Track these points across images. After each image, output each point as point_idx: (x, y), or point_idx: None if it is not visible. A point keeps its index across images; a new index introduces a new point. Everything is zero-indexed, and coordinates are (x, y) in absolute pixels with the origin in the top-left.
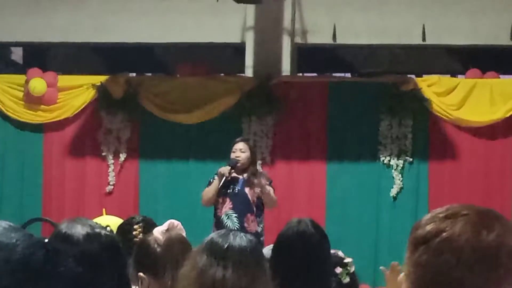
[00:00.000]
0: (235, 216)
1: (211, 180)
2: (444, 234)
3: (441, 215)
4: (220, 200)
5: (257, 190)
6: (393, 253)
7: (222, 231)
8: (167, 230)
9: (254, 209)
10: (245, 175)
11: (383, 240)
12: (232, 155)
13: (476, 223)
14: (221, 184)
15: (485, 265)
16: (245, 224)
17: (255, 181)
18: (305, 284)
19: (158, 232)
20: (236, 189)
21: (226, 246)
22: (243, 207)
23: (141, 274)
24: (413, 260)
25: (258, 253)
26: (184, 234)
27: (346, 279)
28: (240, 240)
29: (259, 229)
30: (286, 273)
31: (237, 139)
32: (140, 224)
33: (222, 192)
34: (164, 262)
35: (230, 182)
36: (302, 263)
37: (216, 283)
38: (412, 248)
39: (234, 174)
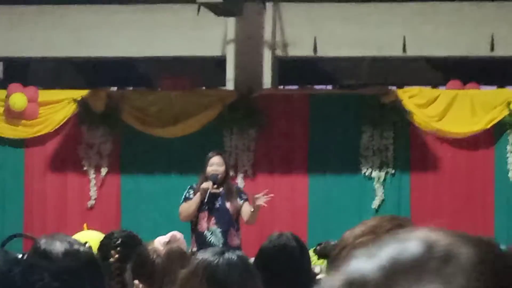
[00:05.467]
0: (220, 231)
1: (188, 195)
2: None
3: None
4: (202, 215)
5: (237, 204)
6: None
7: (213, 252)
8: (169, 242)
9: (235, 223)
10: (221, 189)
11: None
12: (209, 169)
13: None
14: (206, 199)
15: None
16: (228, 240)
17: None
18: None
19: (159, 243)
20: (217, 204)
21: (225, 275)
22: (226, 222)
23: (136, 282)
24: None
25: (252, 273)
26: (185, 248)
27: None
28: (235, 265)
29: (238, 243)
30: (267, 286)
31: (212, 153)
32: (119, 249)
33: (202, 208)
34: (162, 274)
35: (213, 197)
36: (283, 276)
37: None
38: None
39: (214, 189)
